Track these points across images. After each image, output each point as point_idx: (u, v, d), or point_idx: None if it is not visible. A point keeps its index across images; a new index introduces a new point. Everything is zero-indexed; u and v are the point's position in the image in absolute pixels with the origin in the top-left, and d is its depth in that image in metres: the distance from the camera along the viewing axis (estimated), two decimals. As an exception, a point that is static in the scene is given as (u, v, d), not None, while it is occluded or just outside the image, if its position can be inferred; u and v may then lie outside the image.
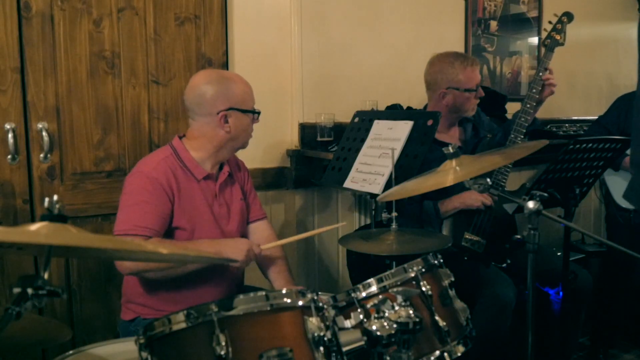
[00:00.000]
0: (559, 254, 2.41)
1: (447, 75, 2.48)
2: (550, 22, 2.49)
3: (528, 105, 2.42)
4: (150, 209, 1.83)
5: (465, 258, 2.37)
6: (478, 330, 2.12)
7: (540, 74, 2.43)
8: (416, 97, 3.11)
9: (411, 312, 1.28)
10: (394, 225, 1.83)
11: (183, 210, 1.89)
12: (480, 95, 2.52)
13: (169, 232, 1.89)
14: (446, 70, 2.49)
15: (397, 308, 1.29)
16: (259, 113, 2.00)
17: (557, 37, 2.43)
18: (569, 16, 2.47)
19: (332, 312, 1.30)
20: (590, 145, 2.15)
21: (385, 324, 1.25)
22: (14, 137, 2.17)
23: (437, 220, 2.40)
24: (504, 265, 2.38)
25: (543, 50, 2.47)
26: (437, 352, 1.41)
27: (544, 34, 2.51)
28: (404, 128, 2.20)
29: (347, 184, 2.25)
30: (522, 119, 2.41)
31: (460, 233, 2.38)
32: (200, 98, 1.91)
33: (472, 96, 2.49)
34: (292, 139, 2.82)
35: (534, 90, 2.42)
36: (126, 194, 1.88)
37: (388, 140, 2.22)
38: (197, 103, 1.92)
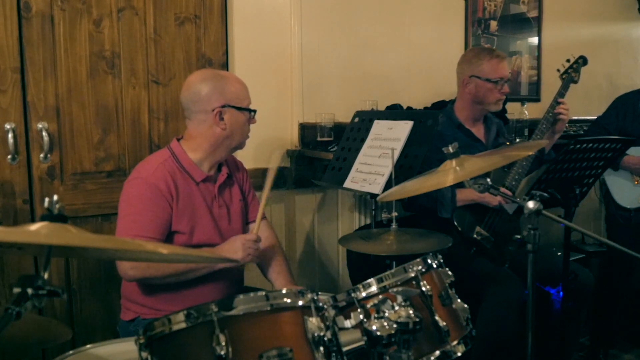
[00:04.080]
0: (559, 253, 2.42)
1: (471, 65, 2.57)
2: (567, 61, 2.72)
3: (544, 126, 2.57)
4: (150, 217, 1.83)
5: (472, 251, 2.39)
6: (484, 329, 2.13)
7: (558, 101, 2.59)
8: (416, 97, 3.11)
9: (411, 312, 1.28)
10: (394, 225, 1.83)
11: (182, 214, 1.89)
12: (505, 91, 2.56)
13: (168, 236, 1.89)
14: (472, 60, 2.58)
15: (397, 308, 1.29)
16: (254, 112, 2.00)
17: (574, 74, 2.68)
18: (584, 60, 2.72)
19: (332, 312, 1.30)
20: (590, 145, 2.15)
21: (385, 324, 1.25)
22: (14, 137, 2.17)
23: (451, 204, 2.42)
24: (506, 266, 2.41)
25: (561, 82, 2.70)
26: (437, 352, 1.41)
27: (559, 65, 2.73)
28: (404, 128, 2.20)
29: (347, 184, 2.25)
30: (538, 137, 2.57)
31: (473, 225, 2.41)
32: (195, 96, 1.91)
33: (495, 88, 2.53)
34: (292, 139, 2.81)
35: (550, 114, 2.58)
36: (125, 201, 1.88)
37: (388, 140, 2.23)
38: (192, 101, 1.92)
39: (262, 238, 2.15)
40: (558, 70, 2.72)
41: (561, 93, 2.62)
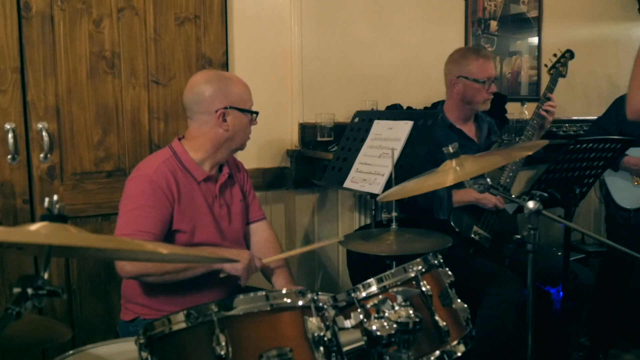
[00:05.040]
0: (559, 253, 2.42)
1: (459, 65, 2.57)
2: (554, 55, 2.74)
3: (535, 122, 2.59)
4: (151, 213, 1.83)
5: (471, 251, 2.39)
6: (484, 328, 2.14)
7: (547, 96, 2.61)
8: (416, 97, 3.11)
9: (411, 312, 1.28)
10: (394, 225, 1.83)
11: (183, 213, 1.89)
12: (492, 90, 2.57)
13: (169, 235, 1.89)
14: (459, 61, 2.58)
15: (397, 308, 1.29)
16: (257, 114, 2.01)
17: (561, 69, 2.70)
18: (570, 53, 2.75)
19: (332, 312, 1.30)
20: (590, 145, 2.16)
21: (385, 324, 1.25)
22: (14, 137, 2.17)
23: (448, 206, 2.43)
24: (506, 262, 2.41)
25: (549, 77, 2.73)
26: (437, 352, 1.41)
27: (548, 63, 2.75)
28: (404, 128, 2.20)
29: (347, 184, 2.25)
30: (530, 132, 2.58)
31: (470, 225, 2.42)
32: (199, 97, 1.92)
33: (482, 88, 2.54)
34: (292, 139, 2.81)
35: (541, 110, 2.60)
36: (126, 198, 1.88)
37: (388, 140, 2.23)
38: (195, 102, 1.93)
39: (263, 238, 2.16)
40: (545, 66, 2.74)
41: (550, 88, 2.63)
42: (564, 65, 2.71)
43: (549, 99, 2.58)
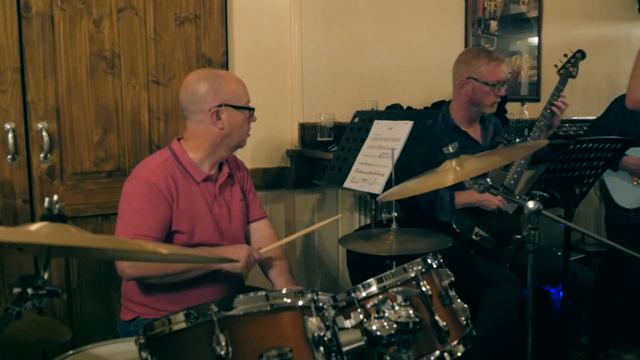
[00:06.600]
0: (559, 253, 2.42)
1: (469, 66, 2.56)
2: (565, 55, 2.71)
3: (542, 123, 2.57)
4: (150, 216, 1.84)
5: (472, 252, 2.39)
6: (484, 328, 2.14)
7: (555, 97, 2.59)
8: (416, 97, 3.11)
9: (411, 312, 1.28)
10: (394, 225, 1.83)
11: (182, 214, 1.90)
12: (501, 94, 2.56)
13: (168, 236, 1.89)
14: (470, 61, 2.57)
15: (397, 308, 1.29)
16: (252, 109, 2.00)
17: (572, 69, 2.67)
18: (582, 54, 2.71)
19: (332, 312, 1.30)
20: (590, 145, 2.16)
21: (385, 324, 1.25)
22: (14, 137, 2.17)
23: (450, 208, 2.43)
24: (507, 265, 2.41)
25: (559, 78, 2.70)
26: (437, 352, 1.41)
27: (558, 64, 2.72)
28: (404, 128, 2.20)
29: (347, 184, 2.25)
30: (536, 134, 2.57)
31: (471, 226, 2.42)
32: (192, 96, 1.92)
33: (491, 91, 2.53)
34: (292, 139, 2.82)
35: (548, 111, 2.58)
36: (125, 200, 1.88)
37: (388, 140, 2.23)
38: (190, 101, 1.93)
39: (263, 237, 2.15)
40: (555, 66, 2.72)
41: (559, 88, 2.61)
42: (574, 65, 2.68)
43: (557, 99, 2.57)
